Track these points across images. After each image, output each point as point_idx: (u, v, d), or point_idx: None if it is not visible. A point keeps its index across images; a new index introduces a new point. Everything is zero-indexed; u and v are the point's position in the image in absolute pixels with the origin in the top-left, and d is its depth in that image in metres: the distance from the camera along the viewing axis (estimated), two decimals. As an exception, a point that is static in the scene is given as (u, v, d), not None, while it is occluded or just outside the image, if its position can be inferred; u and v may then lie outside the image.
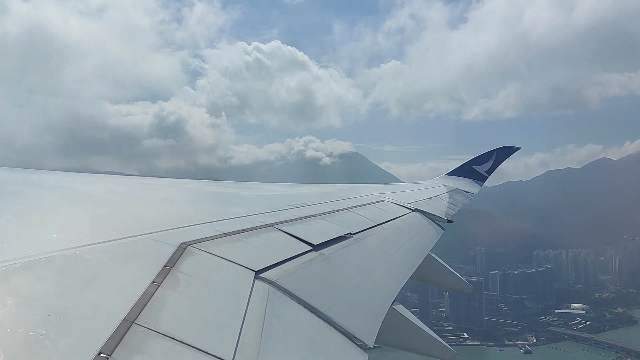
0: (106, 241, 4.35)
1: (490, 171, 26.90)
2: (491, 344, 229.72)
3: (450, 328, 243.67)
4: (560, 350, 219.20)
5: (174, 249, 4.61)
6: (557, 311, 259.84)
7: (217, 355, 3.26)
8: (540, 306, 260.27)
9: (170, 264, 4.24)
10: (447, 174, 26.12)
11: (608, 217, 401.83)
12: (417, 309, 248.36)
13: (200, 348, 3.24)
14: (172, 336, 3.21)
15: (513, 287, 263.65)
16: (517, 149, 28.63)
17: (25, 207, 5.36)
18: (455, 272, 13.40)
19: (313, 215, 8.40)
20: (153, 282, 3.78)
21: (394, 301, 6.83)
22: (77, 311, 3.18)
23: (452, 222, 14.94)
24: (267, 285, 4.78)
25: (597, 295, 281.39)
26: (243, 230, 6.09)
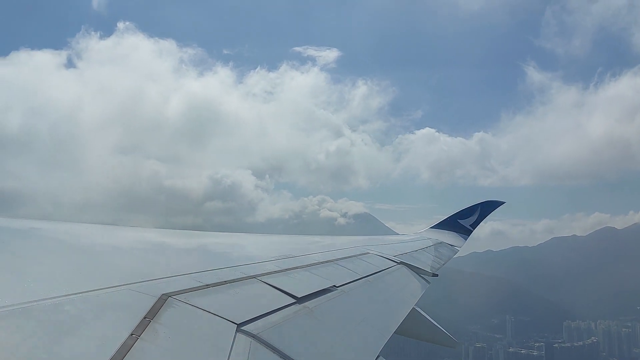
0: (86, 291, 4.26)
1: (474, 225, 26.88)
2: None
3: None
4: None
5: (155, 300, 4.53)
6: None
7: None
8: None
9: (150, 316, 4.15)
10: (432, 227, 26.14)
11: (618, 285, 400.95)
12: None
13: None
14: None
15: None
16: (501, 203, 28.73)
17: (4, 256, 5.24)
18: (440, 327, 13.32)
19: (297, 267, 8.28)
20: (132, 335, 3.68)
21: (378, 356, 6.68)
22: None
23: (437, 275, 14.84)
24: (249, 339, 4.68)
25: None
26: (225, 282, 5.99)
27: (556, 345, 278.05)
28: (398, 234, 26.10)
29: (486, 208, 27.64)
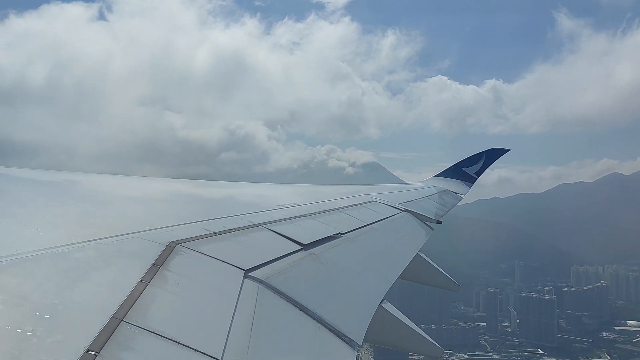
0: (95, 239, 4.33)
1: (479, 173, 26.95)
2: None
3: (522, 344, 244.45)
4: None
5: (163, 247, 4.59)
6: (616, 328, 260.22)
7: (207, 353, 3.26)
8: (597, 323, 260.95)
9: (159, 263, 4.22)
10: (437, 175, 26.23)
11: (624, 231, 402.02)
12: (484, 323, 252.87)
13: (190, 346, 3.23)
14: (161, 334, 3.20)
15: (569, 303, 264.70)
16: (506, 150, 28.71)
17: (14, 205, 5.32)
18: (444, 272, 13.46)
19: (303, 215, 8.41)
20: (142, 281, 3.75)
21: (382, 300, 6.86)
22: (65, 309, 3.15)
23: (440, 222, 15.13)
24: (256, 284, 4.78)
25: None
26: (232, 230, 6.07)
27: (566, 289, 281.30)
28: (404, 182, 26.18)
29: (491, 156, 27.59)
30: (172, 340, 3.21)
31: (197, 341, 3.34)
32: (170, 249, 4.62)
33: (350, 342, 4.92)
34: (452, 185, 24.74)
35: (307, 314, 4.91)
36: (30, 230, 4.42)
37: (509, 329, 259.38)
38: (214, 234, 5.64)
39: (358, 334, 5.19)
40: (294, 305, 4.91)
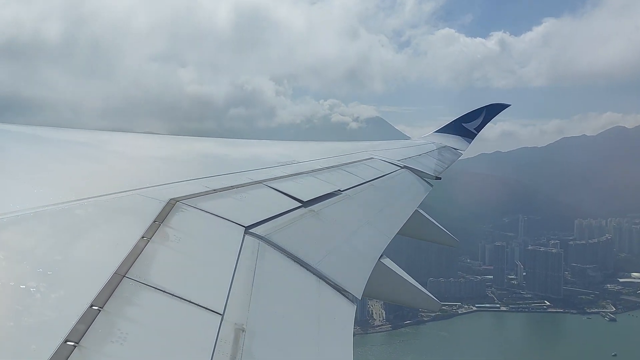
0: (95, 196, 4.35)
1: (479, 128, 26.69)
2: (574, 311, 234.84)
3: (529, 296, 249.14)
4: None
5: (163, 204, 4.62)
6: (620, 280, 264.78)
7: (209, 308, 3.30)
8: (601, 275, 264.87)
9: (160, 220, 4.24)
10: (437, 132, 26.01)
11: (626, 185, 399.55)
12: (491, 276, 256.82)
13: (192, 301, 3.27)
14: (163, 289, 3.24)
15: (574, 256, 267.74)
16: (507, 106, 28.23)
17: (14, 162, 5.34)
18: (443, 228, 13.62)
19: (302, 173, 8.43)
20: (143, 237, 3.79)
21: (382, 255, 6.95)
22: (67, 265, 3.19)
23: (439, 178, 15.11)
24: (257, 241, 4.82)
25: None
26: (232, 187, 6.09)
27: (570, 242, 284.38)
28: (406, 138, 26.02)
29: (491, 111, 27.29)
30: (175, 296, 3.25)
31: (199, 296, 3.38)
32: (170, 206, 4.64)
33: (350, 297, 4.99)
34: (452, 141, 24.57)
35: (307, 270, 4.97)
36: (30, 188, 4.44)
37: (515, 282, 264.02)
38: (214, 191, 5.66)
39: (357, 289, 5.26)
40: (295, 261, 4.96)
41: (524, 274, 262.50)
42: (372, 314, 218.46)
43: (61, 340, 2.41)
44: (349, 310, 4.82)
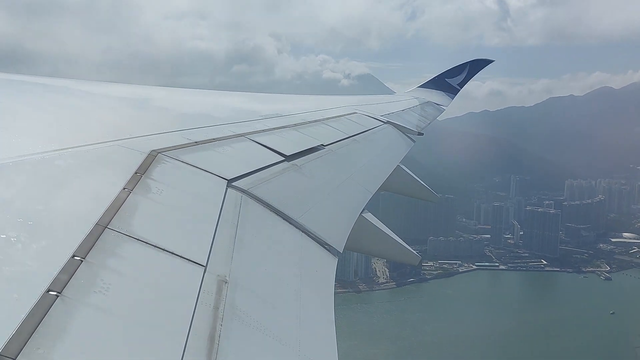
0: (75, 147, 4.29)
1: (462, 84, 26.72)
2: (570, 270, 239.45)
3: (526, 255, 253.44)
4: (634, 277, 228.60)
5: (144, 156, 4.59)
6: (613, 240, 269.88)
7: (192, 260, 3.34)
8: (594, 235, 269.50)
9: (141, 171, 4.22)
10: (420, 87, 25.99)
11: (612, 146, 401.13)
12: (489, 235, 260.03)
13: (175, 252, 3.30)
14: (146, 241, 3.25)
15: (567, 216, 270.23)
16: (490, 61, 28.34)
17: None
18: (424, 183, 13.74)
19: (285, 127, 8.39)
20: (124, 189, 3.77)
21: (364, 210, 7.04)
22: (48, 215, 3.18)
23: (422, 134, 15.23)
24: (239, 194, 4.84)
25: (638, 224, 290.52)
26: (214, 140, 6.06)
27: (565, 203, 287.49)
28: (391, 94, 25.87)
29: (474, 67, 27.30)
30: (157, 247, 3.26)
31: (182, 248, 3.41)
32: (151, 157, 4.61)
33: (331, 250, 5.07)
34: (435, 96, 24.58)
35: (290, 223, 5.02)
36: (10, 137, 4.37)
37: (511, 241, 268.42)
38: (196, 143, 5.62)
39: (339, 243, 5.34)
40: (277, 215, 5.00)
41: (521, 233, 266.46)
42: (376, 271, 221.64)
43: (43, 289, 2.40)
44: (331, 263, 4.89)
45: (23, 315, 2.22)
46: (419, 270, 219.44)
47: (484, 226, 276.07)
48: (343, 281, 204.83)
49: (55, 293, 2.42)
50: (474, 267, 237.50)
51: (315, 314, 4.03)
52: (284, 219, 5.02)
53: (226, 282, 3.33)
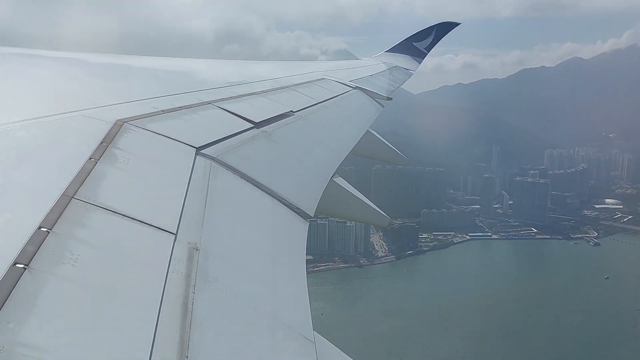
0: (37, 117, 4.23)
1: (429, 47, 26.62)
2: (560, 237, 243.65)
3: (517, 224, 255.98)
4: (622, 242, 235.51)
5: (110, 125, 4.51)
6: (597, 206, 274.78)
7: (162, 227, 3.32)
8: (578, 202, 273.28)
9: (107, 141, 4.15)
10: (387, 51, 25.87)
11: (584, 115, 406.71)
12: (479, 206, 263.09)
13: (144, 221, 3.28)
14: (114, 210, 3.22)
15: (552, 185, 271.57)
16: (457, 24, 27.90)
17: None
18: (393, 147, 13.85)
19: (253, 93, 8.32)
20: (90, 159, 3.71)
21: (334, 175, 7.08)
22: (12, 187, 3.15)
23: (390, 99, 15.26)
24: (208, 161, 4.81)
25: (617, 190, 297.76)
26: (181, 108, 5.99)
27: (550, 172, 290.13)
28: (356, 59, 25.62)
29: (441, 30, 27.16)
30: (126, 216, 3.24)
31: (151, 216, 3.38)
32: (117, 127, 4.54)
33: (302, 214, 5.11)
34: (402, 61, 24.54)
35: (260, 189, 5.03)
36: None
37: (500, 211, 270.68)
38: (163, 112, 5.55)
39: (310, 207, 5.38)
40: (248, 181, 5.00)
41: (510, 202, 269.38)
42: (374, 245, 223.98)
43: (10, 262, 2.36)
44: (302, 227, 4.92)
45: None
46: (416, 242, 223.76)
47: (472, 197, 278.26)
48: (344, 256, 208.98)
49: (22, 266, 2.37)
50: (468, 237, 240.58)
51: (288, 278, 4.05)
52: (254, 185, 5.02)
53: (197, 250, 3.33)
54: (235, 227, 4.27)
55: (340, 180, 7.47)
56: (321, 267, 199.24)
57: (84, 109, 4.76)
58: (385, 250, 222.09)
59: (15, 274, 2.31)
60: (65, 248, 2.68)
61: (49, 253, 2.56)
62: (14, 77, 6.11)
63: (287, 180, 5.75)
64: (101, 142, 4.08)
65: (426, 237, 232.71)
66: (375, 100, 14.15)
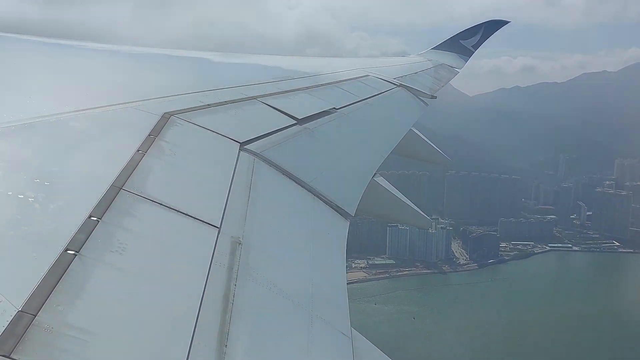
0: (89, 109, 4.36)
1: (477, 45, 26.08)
2: None
3: (596, 236, 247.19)
4: None
5: (158, 118, 4.62)
6: None
7: (206, 221, 3.39)
8: None
9: (155, 133, 4.24)
10: (434, 48, 25.28)
11: None
12: (555, 216, 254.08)
13: (189, 214, 3.36)
14: (160, 202, 3.31)
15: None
16: (506, 22, 27.43)
17: (12, 72, 5.35)
18: (437, 147, 13.81)
19: (297, 89, 8.35)
20: (138, 151, 3.80)
21: (375, 174, 7.08)
22: (64, 176, 3.26)
23: (435, 97, 15.04)
24: (252, 157, 4.86)
25: None
26: (226, 102, 6.08)
27: (628, 183, 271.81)
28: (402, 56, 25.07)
29: (489, 28, 26.51)
30: (172, 209, 3.33)
31: (196, 210, 3.46)
32: (165, 120, 4.64)
33: (343, 214, 5.12)
34: (448, 58, 23.95)
35: (302, 187, 5.06)
36: (27, 98, 4.48)
37: (577, 222, 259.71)
38: (208, 106, 5.65)
39: (351, 206, 5.38)
40: (289, 178, 5.03)
41: (589, 214, 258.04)
42: (454, 253, 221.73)
43: (61, 249, 2.46)
44: (343, 226, 4.94)
45: (42, 274, 2.26)
46: (497, 251, 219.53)
47: (545, 206, 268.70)
48: (427, 262, 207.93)
49: (73, 252, 2.47)
50: (548, 248, 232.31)
51: (327, 275, 4.09)
52: (296, 182, 5.06)
53: (240, 244, 3.40)
54: (277, 223, 4.32)
55: (381, 180, 7.49)
56: (404, 272, 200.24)
57: (134, 101, 4.89)
58: (467, 258, 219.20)
59: (66, 259, 2.41)
60: (113, 237, 2.76)
61: (98, 241, 2.65)
62: (69, 69, 6.35)
63: (328, 178, 5.76)
64: (149, 135, 4.18)
65: (505, 246, 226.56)
66: (419, 99, 13.98)
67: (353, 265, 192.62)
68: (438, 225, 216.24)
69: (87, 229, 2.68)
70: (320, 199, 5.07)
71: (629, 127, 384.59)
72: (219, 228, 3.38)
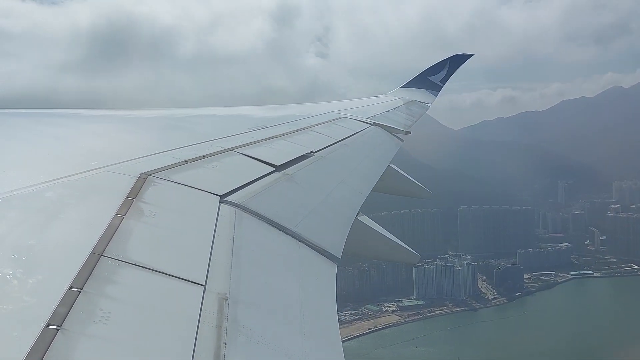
0: (63, 177, 4.32)
1: (444, 80, 26.66)
2: None
3: (614, 260, 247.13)
4: None
5: (135, 179, 4.58)
6: None
7: (190, 280, 3.34)
8: None
9: (133, 195, 4.21)
10: (402, 87, 25.94)
11: (630, 145, 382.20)
12: (569, 244, 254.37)
13: (173, 274, 3.31)
14: (143, 265, 3.25)
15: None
16: (470, 56, 28.18)
17: None
18: (416, 181, 13.84)
19: (273, 137, 8.40)
20: (117, 215, 3.76)
21: (358, 213, 7.06)
22: (42, 248, 3.20)
23: (409, 132, 15.34)
24: (233, 208, 4.83)
25: None
26: (203, 156, 6.06)
27: (633, 206, 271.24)
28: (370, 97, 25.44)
29: (455, 62, 27.23)
30: (155, 271, 3.27)
31: (180, 269, 3.42)
32: (142, 180, 4.60)
33: (330, 257, 5.08)
34: (418, 95, 24.56)
35: (286, 233, 5.01)
36: None
37: (591, 248, 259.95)
38: (185, 162, 5.62)
39: (337, 249, 5.35)
40: (273, 226, 4.99)
41: (602, 238, 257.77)
42: (480, 288, 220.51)
43: (43, 324, 2.39)
44: (331, 270, 4.89)
45: (24, 354, 2.18)
46: (522, 283, 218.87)
47: (556, 234, 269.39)
48: (456, 299, 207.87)
49: (55, 327, 2.39)
50: (570, 276, 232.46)
51: (319, 322, 4.02)
52: (279, 229, 5.01)
53: (227, 299, 3.33)
54: (263, 274, 4.25)
55: (365, 219, 7.45)
56: (436, 312, 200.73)
57: (109, 165, 4.87)
58: (494, 293, 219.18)
59: (48, 335, 2.32)
60: (96, 307, 2.69)
61: (80, 313, 2.57)
62: (39, 138, 6.35)
63: (311, 222, 5.72)
64: (127, 197, 4.15)
65: (528, 277, 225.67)
66: (394, 135, 14.24)
67: (384, 309, 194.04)
68: (463, 262, 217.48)
69: (68, 301, 2.59)
70: (305, 244, 5.03)
71: (616, 148, 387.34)
72: (204, 285, 3.32)
